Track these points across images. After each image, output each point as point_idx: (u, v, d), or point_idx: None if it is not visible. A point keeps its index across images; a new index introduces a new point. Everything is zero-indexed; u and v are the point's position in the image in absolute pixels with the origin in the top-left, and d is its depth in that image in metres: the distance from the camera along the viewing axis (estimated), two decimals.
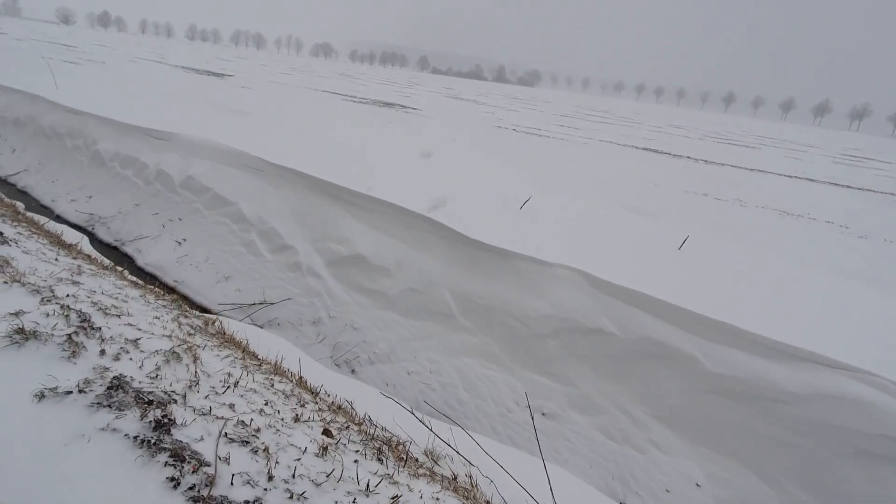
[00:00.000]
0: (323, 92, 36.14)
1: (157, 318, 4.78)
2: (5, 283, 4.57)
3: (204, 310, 8.34)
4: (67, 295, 4.59)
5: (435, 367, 6.61)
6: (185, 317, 5.28)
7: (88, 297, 4.77)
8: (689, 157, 24.30)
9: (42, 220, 9.55)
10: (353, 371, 7.09)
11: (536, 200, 9.63)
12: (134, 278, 7.10)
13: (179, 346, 4.16)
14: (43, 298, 4.37)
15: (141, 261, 9.58)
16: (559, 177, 13.12)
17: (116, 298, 4.99)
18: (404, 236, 7.53)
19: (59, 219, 10.97)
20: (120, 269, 7.11)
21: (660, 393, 5.38)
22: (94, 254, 8.13)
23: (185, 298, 8.58)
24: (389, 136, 16.29)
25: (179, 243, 9.56)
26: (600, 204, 10.34)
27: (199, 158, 10.35)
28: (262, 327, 8.00)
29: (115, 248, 10.11)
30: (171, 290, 8.76)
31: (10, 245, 5.48)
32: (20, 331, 3.70)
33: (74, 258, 6.01)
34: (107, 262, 7.57)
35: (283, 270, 8.34)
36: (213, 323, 5.59)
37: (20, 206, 10.78)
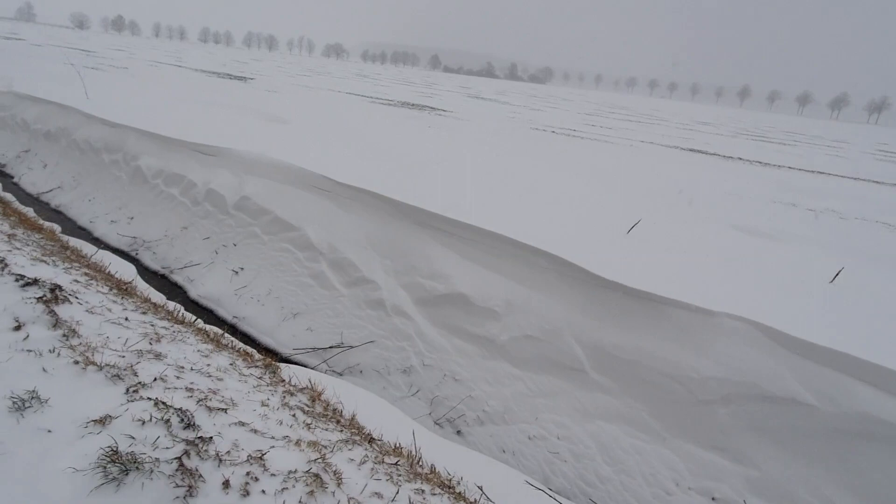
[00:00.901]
0: (348, 94, 35.19)
1: (265, 405, 3.76)
2: (76, 363, 3.57)
3: (271, 352, 7.33)
4: (155, 378, 3.58)
5: (564, 433, 5.54)
6: (291, 394, 4.25)
7: (178, 376, 3.76)
8: (740, 159, 23.04)
9: (86, 248, 8.60)
10: (458, 432, 6.04)
11: (631, 220, 8.53)
12: (206, 325, 6.08)
13: (315, 460, 3.13)
14: (128, 389, 3.37)
15: (194, 292, 8.60)
16: (634, 189, 12.00)
17: (209, 376, 3.97)
18: (514, 273, 6.46)
19: (97, 242, 10.02)
20: (192, 318, 6.09)
21: (884, 485, 4.28)
22: (154, 293, 7.13)
23: (248, 338, 7.59)
24: (443, 144, 15.24)
25: (236, 272, 8.56)
26: (702, 223, 9.21)
27: (254, 176, 9.35)
28: (341, 375, 6.99)
29: (164, 277, 9.14)
30: (232, 328, 7.77)
31: (71, 301, 4.47)
32: (114, 456, 2.69)
33: (144, 312, 5.00)
34: (171, 305, 6.56)
35: (362, 307, 7.30)
36: (319, 397, 4.56)
37: (56, 228, 9.86)
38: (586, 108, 61.00)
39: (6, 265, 4.83)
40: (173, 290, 8.72)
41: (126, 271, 8.16)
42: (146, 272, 9.14)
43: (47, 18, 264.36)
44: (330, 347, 7.18)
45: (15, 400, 3.11)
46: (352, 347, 7.08)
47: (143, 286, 7.35)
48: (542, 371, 5.92)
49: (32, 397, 3.17)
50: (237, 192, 9.20)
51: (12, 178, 13.20)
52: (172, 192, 10.11)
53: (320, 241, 7.97)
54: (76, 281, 5.21)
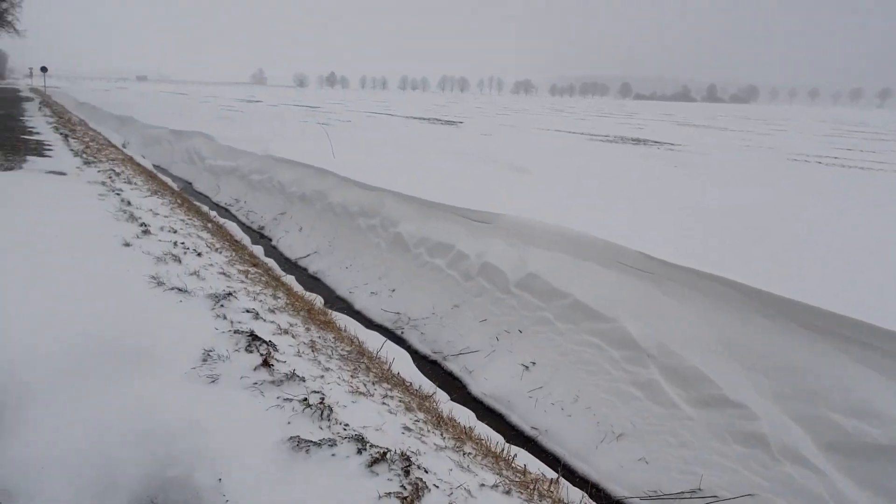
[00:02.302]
0: (557, 131, 33.84)
1: None
2: None
3: (592, 487, 5.62)
4: None
5: None
6: None
7: None
8: None
9: (360, 330, 7.76)
10: None
11: None
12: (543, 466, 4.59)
13: None
14: None
15: (475, 388, 7.29)
16: None
17: None
18: None
19: (358, 315, 9.32)
20: (537, 470, 4.61)
21: None
22: (457, 410, 5.85)
23: (558, 462, 5.97)
24: (727, 192, 12.83)
25: (526, 367, 7.09)
26: None
27: (537, 248, 7.93)
28: None
29: (435, 364, 8.03)
30: (531, 441, 6.24)
31: (429, 487, 3.13)
32: None
33: (506, 491, 3.55)
34: (494, 438, 5.18)
35: (726, 441, 5.31)
36: None
37: (319, 300, 9.31)
38: (818, 128, 53.05)
39: (331, 410, 3.69)
40: (449, 382, 7.52)
41: (404, 362, 7.14)
42: (415, 355, 8.11)
43: (275, 80, 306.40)
44: (683, 496, 5.28)
45: None
46: (720, 500, 5.11)
47: (443, 396, 6.12)
48: None
49: None
50: (520, 267, 7.83)
51: (270, 240, 13.48)
52: (438, 264, 9.10)
53: (645, 339, 6.17)
54: (407, 429, 3.95)
